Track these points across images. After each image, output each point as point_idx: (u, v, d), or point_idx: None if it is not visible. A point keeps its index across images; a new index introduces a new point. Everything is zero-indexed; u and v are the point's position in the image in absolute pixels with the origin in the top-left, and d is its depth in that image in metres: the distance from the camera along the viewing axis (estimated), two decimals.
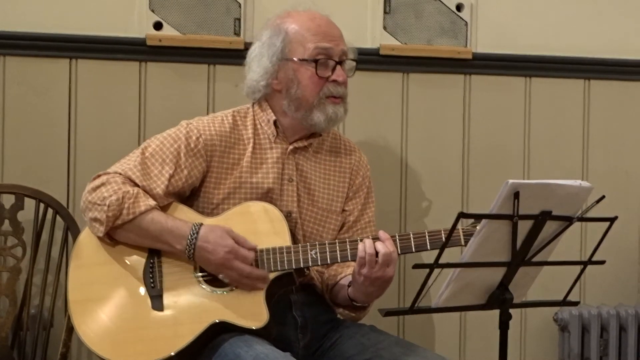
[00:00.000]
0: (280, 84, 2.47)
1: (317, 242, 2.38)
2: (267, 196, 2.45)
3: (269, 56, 2.46)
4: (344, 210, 2.57)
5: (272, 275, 2.33)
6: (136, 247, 2.37)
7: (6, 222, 2.75)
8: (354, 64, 2.53)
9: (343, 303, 2.48)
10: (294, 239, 2.41)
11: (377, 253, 2.28)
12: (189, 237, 2.30)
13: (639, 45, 3.22)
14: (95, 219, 2.34)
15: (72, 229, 2.70)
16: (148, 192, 2.36)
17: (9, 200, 2.76)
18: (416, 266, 2.31)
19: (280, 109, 2.49)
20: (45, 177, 2.86)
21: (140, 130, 2.92)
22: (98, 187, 2.35)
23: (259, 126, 2.50)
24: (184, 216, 2.39)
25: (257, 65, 2.48)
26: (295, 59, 2.44)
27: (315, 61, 2.43)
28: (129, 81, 2.92)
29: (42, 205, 2.74)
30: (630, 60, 3.21)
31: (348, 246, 2.34)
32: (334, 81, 2.45)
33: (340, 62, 2.46)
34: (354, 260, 2.34)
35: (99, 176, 2.39)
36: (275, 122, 2.49)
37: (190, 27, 2.91)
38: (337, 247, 2.35)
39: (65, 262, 2.70)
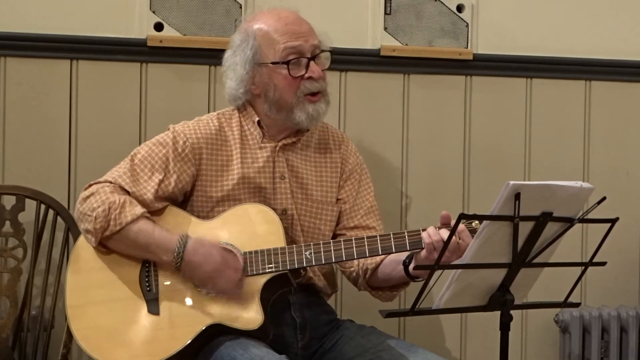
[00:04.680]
0: (258, 88, 2.46)
1: (311, 243, 2.38)
2: (260, 195, 2.45)
3: (242, 64, 2.45)
4: (338, 200, 2.56)
5: (266, 277, 2.33)
6: None
7: (7, 223, 2.75)
8: (329, 54, 2.50)
9: (397, 282, 2.44)
10: (292, 237, 2.41)
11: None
12: (176, 250, 2.30)
13: None
14: (87, 230, 2.35)
15: (73, 230, 2.70)
16: (138, 198, 2.37)
17: (9, 201, 2.76)
18: (417, 267, 2.31)
19: (262, 111, 2.48)
20: (46, 178, 2.86)
21: (141, 132, 2.92)
22: (88, 197, 2.36)
23: (245, 127, 2.50)
24: (180, 220, 2.40)
25: (233, 73, 2.47)
26: (267, 62, 2.43)
27: (287, 62, 2.41)
28: (129, 82, 2.92)
29: (42, 207, 2.74)
30: (631, 61, 3.21)
31: (342, 245, 2.34)
32: (310, 78, 2.43)
33: (313, 58, 2.44)
34: (348, 259, 2.36)
35: (90, 186, 2.40)
36: (259, 122, 2.49)
37: (191, 28, 2.91)
38: (332, 247, 2.34)
39: (66, 263, 2.69)
